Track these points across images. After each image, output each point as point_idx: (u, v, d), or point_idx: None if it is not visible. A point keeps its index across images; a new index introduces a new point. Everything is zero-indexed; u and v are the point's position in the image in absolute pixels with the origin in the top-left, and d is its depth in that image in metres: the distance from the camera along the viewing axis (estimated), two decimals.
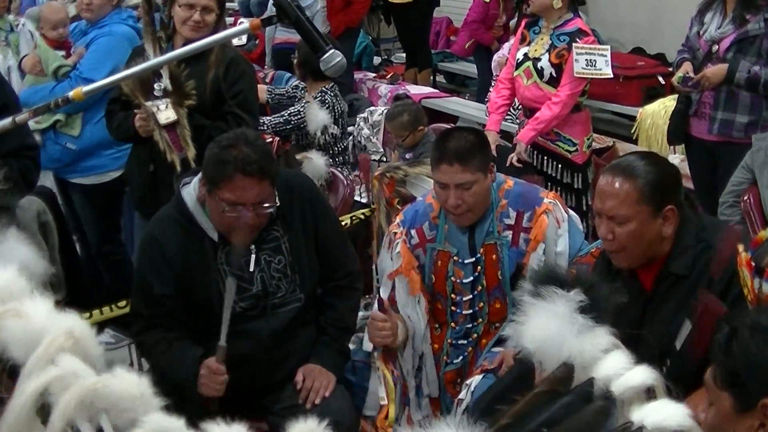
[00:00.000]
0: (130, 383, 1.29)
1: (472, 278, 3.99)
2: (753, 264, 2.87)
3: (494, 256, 3.95)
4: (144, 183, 4.83)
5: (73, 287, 4.90)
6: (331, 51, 2.75)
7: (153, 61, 4.07)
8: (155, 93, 4.55)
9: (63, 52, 5.77)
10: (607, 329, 1.61)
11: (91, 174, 5.70)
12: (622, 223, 3.20)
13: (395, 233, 4.12)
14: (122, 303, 4.79)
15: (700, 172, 5.74)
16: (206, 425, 1.25)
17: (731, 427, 2.15)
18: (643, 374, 1.48)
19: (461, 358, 4.07)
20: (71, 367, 1.31)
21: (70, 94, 2.79)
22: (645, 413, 1.40)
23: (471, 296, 4.01)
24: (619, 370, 1.50)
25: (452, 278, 4.01)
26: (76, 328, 1.41)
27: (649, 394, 1.47)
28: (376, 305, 4.14)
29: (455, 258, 3.99)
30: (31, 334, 1.41)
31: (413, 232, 4.07)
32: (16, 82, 6.18)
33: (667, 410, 1.40)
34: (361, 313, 4.30)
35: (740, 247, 2.94)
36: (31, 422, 1.29)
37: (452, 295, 4.03)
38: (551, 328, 1.60)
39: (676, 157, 6.68)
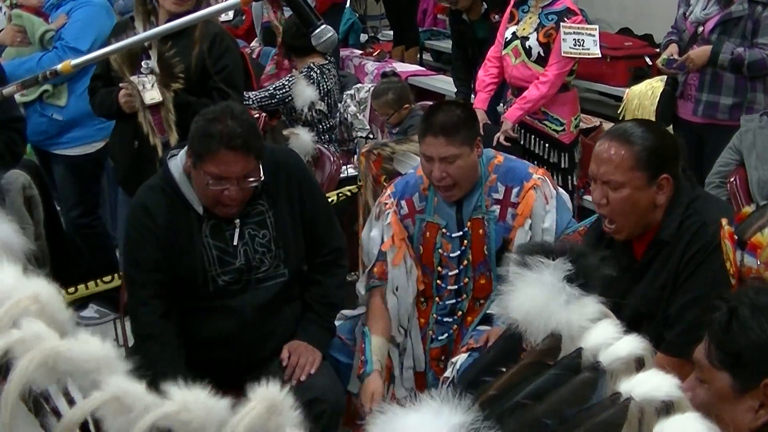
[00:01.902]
0: (93, 346, 1.28)
1: (459, 252, 4.00)
2: (736, 237, 2.88)
3: (481, 231, 3.95)
4: (128, 160, 4.80)
5: (58, 261, 4.90)
6: (323, 26, 2.73)
7: (138, 36, 4.04)
8: (142, 70, 4.53)
9: (42, 19, 5.74)
10: (596, 298, 1.60)
11: (76, 145, 5.68)
12: (616, 189, 3.20)
13: (385, 204, 4.12)
14: (107, 278, 4.79)
15: (687, 153, 5.75)
16: (168, 387, 1.25)
17: (729, 407, 2.13)
18: (632, 344, 1.47)
19: (446, 335, 4.08)
20: (34, 330, 1.29)
21: (59, 67, 2.78)
22: (633, 384, 1.40)
23: (457, 270, 4.02)
24: (607, 340, 1.48)
25: (440, 250, 4.02)
26: (43, 292, 1.38)
27: (639, 364, 1.46)
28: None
29: (443, 230, 4.00)
30: None
31: (403, 202, 4.09)
32: None
33: (655, 380, 1.39)
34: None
35: (724, 221, 2.95)
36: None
37: (438, 268, 4.04)
38: (538, 298, 1.58)
39: None
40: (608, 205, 3.23)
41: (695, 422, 1.33)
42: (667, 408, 1.37)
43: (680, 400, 1.38)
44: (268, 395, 1.26)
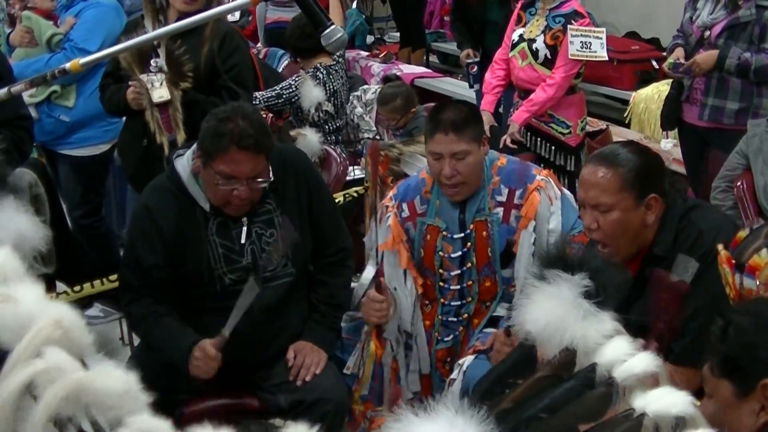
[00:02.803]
0: (117, 380, 1.27)
1: (460, 253, 3.99)
2: (733, 261, 2.88)
3: (484, 233, 3.95)
4: (137, 157, 4.81)
5: (63, 260, 4.90)
6: (333, 26, 2.73)
7: (149, 35, 4.05)
8: (151, 69, 4.54)
9: (51, 22, 5.75)
10: (611, 315, 1.61)
11: (82, 146, 5.69)
12: (605, 212, 3.21)
13: (387, 207, 4.12)
14: (113, 276, 4.79)
15: (692, 157, 5.77)
16: (195, 428, 1.24)
17: (733, 414, 2.16)
18: (646, 361, 1.48)
19: (452, 337, 4.08)
20: (57, 361, 1.28)
21: (67, 65, 2.78)
22: (647, 400, 1.40)
23: (459, 272, 4.01)
24: (621, 356, 1.49)
25: (440, 253, 4.01)
26: (65, 317, 1.37)
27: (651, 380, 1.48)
28: (365, 279, 4.15)
29: (444, 233, 4.00)
30: (19, 320, 1.36)
31: (404, 205, 4.08)
32: None
33: (670, 398, 1.40)
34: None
35: (720, 246, 2.95)
36: (14, 415, 1.27)
37: (440, 271, 4.04)
38: (555, 312, 1.59)
39: (669, 142, 6.71)
40: (599, 230, 3.24)
41: None
42: (679, 424, 1.38)
43: (694, 416, 1.38)
44: None
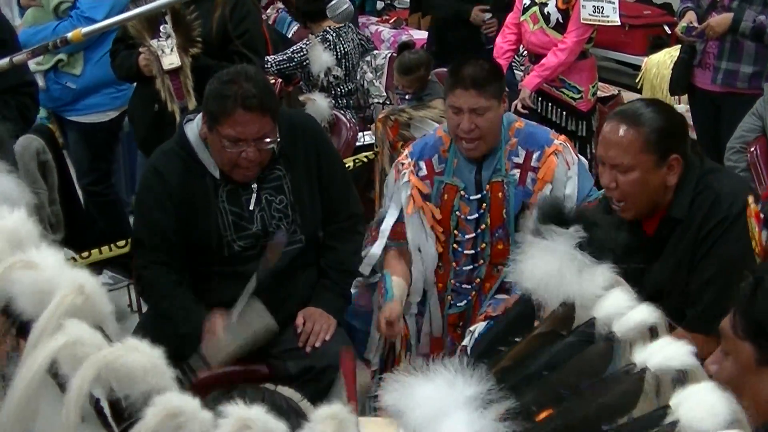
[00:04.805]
0: (143, 356, 1.25)
1: (477, 215, 3.97)
2: (762, 216, 2.84)
3: (500, 194, 3.93)
4: (148, 123, 4.81)
5: (71, 227, 4.90)
6: None
7: (155, 3, 4.02)
8: (160, 35, 4.53)
9: None
10: (609, 267, 1.58)
11: (90, 113, 5.69)
12: (625, 172, 3.14)
13: (403, 164, 4.10)
14: (121, 243, 4.79)
15: (704, 122, 5.73)
16: (227, 407, 1.21)
17: (752, 378, 2.07)
18: (645, 313, 1.45)
19: (465, 302, 4.07)
20: (78, 335, 1.25)
21: (69, 35, 2.78)
22: (648, 354, 1.37)
23: (474, 234, 3.99)
24: (620, 309, 1.46)
25: (457, 213, 3.99)
26: (87, 283, 1.34)
27: (652, 333, 1.44)
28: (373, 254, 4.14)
29: (462, 193, 3.98)
30: (40, 287, 1.33)
31: (421, 163, 4.05)
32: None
33: (671, 350, 1.37)
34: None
35: (750, 199, 2.91)
36: (40, 390, 1.25)
37: (455, 231, 4.02)
38: (551, 266, 1.57)
39: (681, 107, 6.66)
40: (618, 189, 3.18)
41: (712, 392, 1.30)
42: (680, 377, 1.35)
43: (695, 369, 1.36)
44: (332, 414, 1.23)
